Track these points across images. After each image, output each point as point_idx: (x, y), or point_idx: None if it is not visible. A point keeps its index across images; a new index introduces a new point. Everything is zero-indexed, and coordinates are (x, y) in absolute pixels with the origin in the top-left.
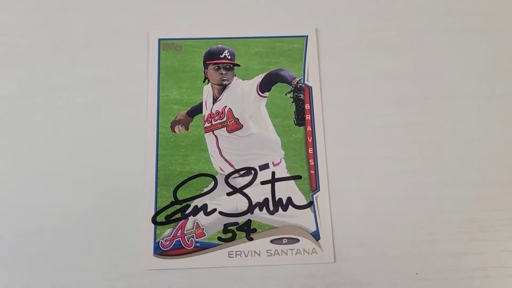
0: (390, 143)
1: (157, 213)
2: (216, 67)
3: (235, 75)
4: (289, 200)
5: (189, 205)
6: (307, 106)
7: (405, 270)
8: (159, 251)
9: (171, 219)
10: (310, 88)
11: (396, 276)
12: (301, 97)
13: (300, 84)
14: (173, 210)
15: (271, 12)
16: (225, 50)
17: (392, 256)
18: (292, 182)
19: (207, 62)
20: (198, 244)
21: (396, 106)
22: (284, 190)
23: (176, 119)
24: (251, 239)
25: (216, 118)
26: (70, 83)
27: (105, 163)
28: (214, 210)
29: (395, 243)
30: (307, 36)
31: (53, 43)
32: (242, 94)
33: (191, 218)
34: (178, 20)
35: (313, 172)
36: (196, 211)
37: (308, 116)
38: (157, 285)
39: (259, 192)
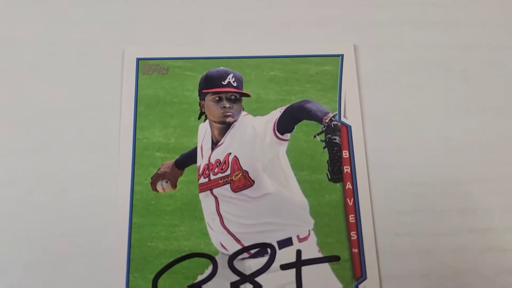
0: (473, 208)
1: None
2: (217, 98)
3: (243, 109)
4: None
5: None
6: (345, 154)
7: None
8: None
9: None
10: (348, 127)
11: None
12: (337, 141)
13: (335, 122)
14: None
15: (293, 23)
16: (229, 74)
17: None
18: (326, 265)
19: (204, 90)
20: None
21: (478, 154)
22: (316, 277)
23: (159, 172)
24: None
25: (216, 170)
26: (12, 118)
27: (53, 237)
28: None
29: None
30: (342, 56)
31: None
32: (253, 137)
33: None
34: (164, 33)
35: (356, 250)
36: None
37: (347, 168)
38: None
39: (278, 281)
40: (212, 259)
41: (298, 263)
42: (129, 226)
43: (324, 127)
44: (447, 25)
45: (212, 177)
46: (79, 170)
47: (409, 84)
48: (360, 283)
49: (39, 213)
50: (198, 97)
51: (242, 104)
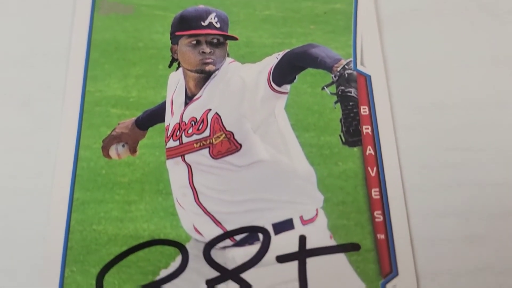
0: None
1: None
2: (194, 42)
3: (228, 55)
4: None
5: None
6: (363, 110)
7: None
8: None
9: None
10: (367, 77)
11: None
12: (352, 94)
13: (349, 71)
14: None
15: None
16: (210, 13)
17: None
18: (342, 257)
19: (177, 33)
20: None
21: None
22: (327, 274)
23: (114, 133)
24: None
25: (190, 131)
26: None
27: None
28: None
29: None
30: None
31: None
32: (241, 89)
33: None
34: None
35: (382, 237)
36: None
37: (367, 128)
38: None
39: (273, 278)
40: (181, 247)
41: (302, 254)
42: (68, 203)
43: (335, 77)
44: None
45: (185, 139)
46: (10, 129)
47: (444, 27)
48: (389, 281)
49: None
50: (170, 42)
51: (227, 49)
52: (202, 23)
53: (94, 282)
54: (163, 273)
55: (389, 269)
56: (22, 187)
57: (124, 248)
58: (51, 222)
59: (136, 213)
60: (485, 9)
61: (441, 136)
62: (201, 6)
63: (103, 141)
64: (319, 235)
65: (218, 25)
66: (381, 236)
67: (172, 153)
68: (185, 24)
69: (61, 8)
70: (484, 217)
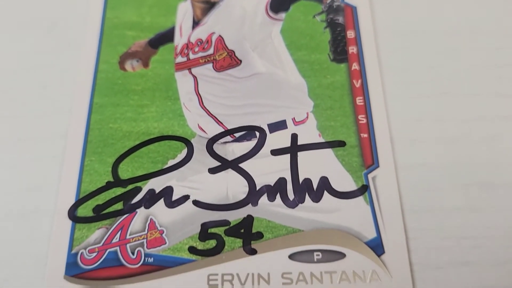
0: (510, 92)
1: (79, 201)
2: None
3: None
4: (324, 182)
5: (139, 189)
6: (350, 34)
7: None
8: (77, 271)
9: (104, 212)
10: (353, 8)
11: None
12: (339, 21)
13: (337, 3)
14: (109, 197)
15: None
16: None
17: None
18: (329, 152)
19: None
20: (151, 260)
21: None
22: (316, 165)
23: (129, 51)
24: (254, 252)
25: (196, 49)
26: None
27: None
28: (186, 198)
29: None
30: None
31: None
32: (242, 16)
33: (141, 211)
34: None
35: (365, 135)
36: (151, 199)
37: (353, 49)
38: None
39: (269, 169)
40: (187, 142)
41: (294, 148)
42: (89, 106)
43: (325, 7)
44: None
45: (192, 56)
46: (39, 48)
47: None
48: (371, 171)
49: None
50: None
51: None
52: None
53: (110, 169)
54: (171, 162)
55: (371, 161)
56: (47, 93)
57: (137, 142)
58: (73, 121)
59: (148, 115)
60: None
61: (419, 56)
62: None
63: (120, 57)
64: (309, 133)
65: None
66: (364, 135)
67: (180, 67)
68: None
69: None
70: (457, 122)
